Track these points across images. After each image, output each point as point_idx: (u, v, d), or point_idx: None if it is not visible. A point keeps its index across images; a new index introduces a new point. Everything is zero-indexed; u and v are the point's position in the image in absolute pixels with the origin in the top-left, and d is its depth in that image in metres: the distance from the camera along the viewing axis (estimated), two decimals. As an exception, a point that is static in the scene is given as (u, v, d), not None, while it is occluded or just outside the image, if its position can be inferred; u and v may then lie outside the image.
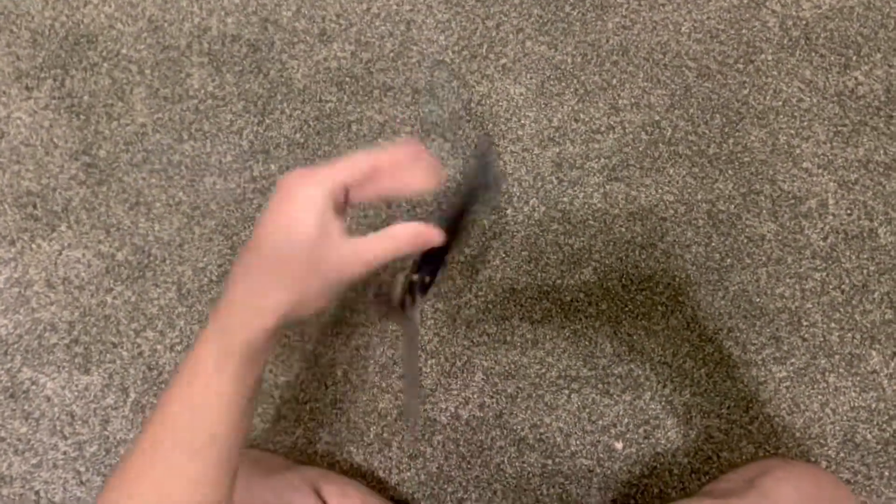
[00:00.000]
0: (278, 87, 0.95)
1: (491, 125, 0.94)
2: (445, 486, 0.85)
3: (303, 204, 0.44)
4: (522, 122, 0.94)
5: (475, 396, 0.87)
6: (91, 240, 0.91)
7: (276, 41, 0.97)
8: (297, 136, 0.94)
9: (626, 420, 0.86)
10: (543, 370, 0.87)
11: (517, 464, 0.85)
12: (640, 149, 0.93)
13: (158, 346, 0.89)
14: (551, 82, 0.95)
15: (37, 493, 0.86)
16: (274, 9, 0.97)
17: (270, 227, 0.45)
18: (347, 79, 0.96)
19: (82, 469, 0.86)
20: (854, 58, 0.95)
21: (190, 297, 0.90)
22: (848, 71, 0.95)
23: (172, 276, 0.90)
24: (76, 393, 0.88)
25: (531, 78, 0.95)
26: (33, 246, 0.91)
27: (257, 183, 0.93)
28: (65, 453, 0.87)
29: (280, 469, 0.79)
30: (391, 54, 0.96)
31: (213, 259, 0.91)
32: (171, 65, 0.96)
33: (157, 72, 0.96)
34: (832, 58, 0.95)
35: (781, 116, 0.93)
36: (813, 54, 0.95)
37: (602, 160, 0.93)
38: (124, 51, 0.96)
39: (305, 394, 0.87)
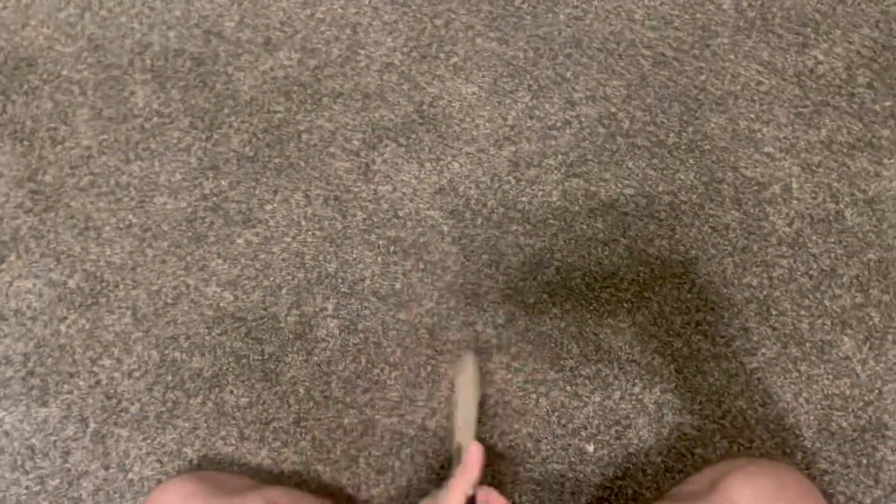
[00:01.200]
0: (225, 101, 0.93)
1: (444, 127, 0.92)
2: (416, 499, 0.84)
3: None
4: (476, 121, 0.92)
5: (442, 407, 0.85)
6: (41, 268, 0.89)
7: (220, 53, 0.94)
8: (247, 149, 0.92)
9: (596, 422, 0.84)
10: (510, 375, 0.85)
11: (487, 472, 0.84)
12: (598, 143, 0.91)
13: (116, 374, 0.87)
14: (504, 79, 0.93)
15: (-1, 531, 0.84)
16: (216, 20, 0.95)
17: None
18: (295, 87, 0.93)
19: (45, 503, 0.84)
20: (812, 36, 0.93)
21: (146, 321, 0.88)
22: (807, 50, 0.92)
23: (127, 301, 0.88)
24: (35, 426, 0.86)
25: (483, 76, 0.93)
26: (-18, 278, 0.89)
27: (208, 200, 0.91)
28: (27, 488, 0.85)
29: (243, 490, 0.77)
30: (339, 60, 0.94)
31: (167, 281, 0.89)
32: (113, 84, 0.94)
33: (99, 92, 0.93)
34: (790, 37, 0.93)
35: (741, 101, 0.91)
36: (770, 35, 0.93)
37: (559, 157, 0.90)
38: (65, 72, 0.94)
39: (268, 414, 0.86)
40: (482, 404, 0.79)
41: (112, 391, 0.87)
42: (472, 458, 0.62)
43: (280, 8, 0.95)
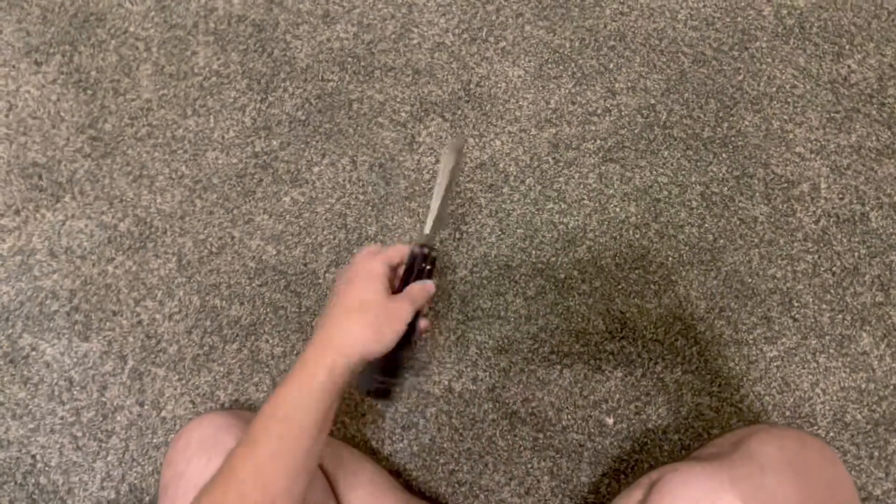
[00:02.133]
0: (281, 66, 0.97)
1: (489, 106, 0.96)
2: (437, 457, 0.86)
3: (374, 276, 0.63)
4: (520, 103, 0.96)
5: (468, 370, 0.88)
6: (94, 211, 0.93)
7: (280, 22, 0.99)
8: (299, 113, 0.96)
9: (617, 396, 0.87)
10: (536, 345, 0.88)
11: (509, 437, 0.86)
12: (636, 131, 0.94)
13: (157, 316, 0.90)
14: (549, 65, 0.97)
15: (33, 456, 0.87)
16: (279, -10, 1.00)
17: (355, 291, 0.62)
18: (349, 59, 0.98)
19: (79, 434, 0.87)
20: (847, 47, 0.97)
21: (189, 267, 0.91)
22: (841, 59, 0.96)
23: (173, 248, 0.92)
24: (75, 359, 0.89)
25: (529, 61, 0.97)
26: (37, 216, 0.93)
27: (259, 158, 0.94)
28: (62, 418, 0.88)
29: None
30: (392, 36, 0.98)
31: (213, 231, 0.92)
32: (177, 43, 0.98)
33: (163, 49, 0.98)
34: (826, 46, 0.97)
35: (775, 102, 0.95)
36: (807, 42, 0.97)
37: (598, 142, 0.94)
38: (132, 28, 0.99)
39: (301, 364, 0.88)
40: (453, 185, 0.78)
41: (152, 332, 0.90)
42: (421, 287, 0.67)
43: (340, -16, 1.00)
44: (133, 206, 0.93)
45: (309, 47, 0.98)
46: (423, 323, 0.69)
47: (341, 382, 0.59)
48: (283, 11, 0.99)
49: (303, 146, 0.95)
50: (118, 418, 0.88)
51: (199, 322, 0.90)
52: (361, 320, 0.60)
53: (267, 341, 0.89)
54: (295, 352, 0.89)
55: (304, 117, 0.96)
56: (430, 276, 0.69)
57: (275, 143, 0.95)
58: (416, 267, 0.68)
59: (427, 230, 0.71)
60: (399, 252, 0.68)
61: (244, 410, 0.86)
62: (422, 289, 0.67)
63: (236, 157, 0.95)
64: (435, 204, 0.72)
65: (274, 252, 0.92)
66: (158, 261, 0.92)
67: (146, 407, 0.88)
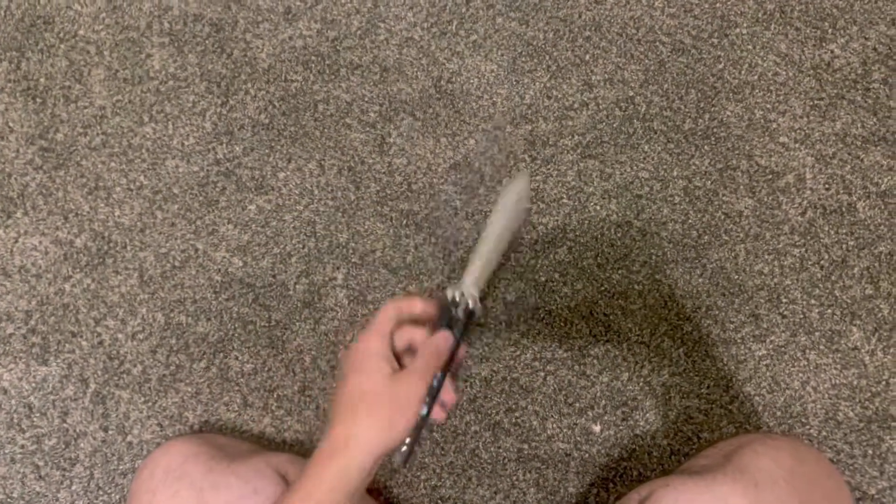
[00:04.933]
0: (242, 67, 0.93)
1: (462, 103, 0.92)
2: (419, 472, 0.83)
3: (370, 358, 0.55)
4: (494, 99, 0.92)
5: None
6: (48, 226, 0.88)
7: (239, 20, 0.94)
8: (262, 116, 0.91)
9: (603, 402, 0.84)
10: (518, 352, 0.85)
11: (492, 449, 0.83)
12: (615, 125, 0.91)
13: (119, 335, 0.86)
14: (523, 59, 0.93)
15: (-7, 489, 0.82)
16: (237, -13, 0.95)
17: (354, 380, 0.54)
18: (314, 57, 0.93)
19: (41, 463, 0.83)
20: (830, 31, 0.93)
21: (152, 283, 0.87)
22: (824, 44, 0.93)
23: (134, 263, 0.87)
24: (34, 384, 0.84)
25: (502, 55, 0.93)
26: (-12, 233, 0.88)
27: (221, 165, 0.90)
28: (22, 447, 0.83)
29: (246, 455, 0.75)
30: (358, 32, 0.94)
31: (176, 244, 0.88)
32: (130, 46, 0.93)
33: (116, 53, 0.93)
34: (808, 31, 0.93)
35: (757, 91, 0.91)
36: (788, 28, 0.93)
37: (576, 137, 0.90)
38: (82, 32, 0.93)
39: (273, 381, 0.85)
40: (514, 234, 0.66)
41: (115, 352, 0.85)
42: (431, 349, 0.56)
43: (301, -22, 0.95)
44: (90, 219, 0.88)
45: (270, 46, 0.93)
46: (437, 413, 0.58)
47: (357, 482, 0.52)
48: (242, 9, 0.94)
49: (267, 151, 0.90)
50: (82, 445, 0.83)
51: (163, 340, 0.86)
52: (368, 416, 0.53)
53: (236, 358, 0.85)
54: (266, 368, 0.85)
55: (267, 120, 0.91)
56: (462, 334, 0.59)
57: (238, 148, 0.90)
58: (446, 320, 0.58)
59: (468, 280, 0.60)
60: (414, 306, 0.58)
61: (215, 434, 0.82)
62: (434, 350, 0.56)
63: (197, 165, 0.90)
64: (483, 251, 0.61)
65: (240, 264, 0.87)
66: (119, 277, 0.87)
67: (111, 432, 0.83)
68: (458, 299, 0.59)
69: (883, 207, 0.88)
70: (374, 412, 0.52)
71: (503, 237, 0.63)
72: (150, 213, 0.88)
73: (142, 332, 0.86)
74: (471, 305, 0.59)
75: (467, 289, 0.60)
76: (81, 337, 0.85)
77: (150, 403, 0.84)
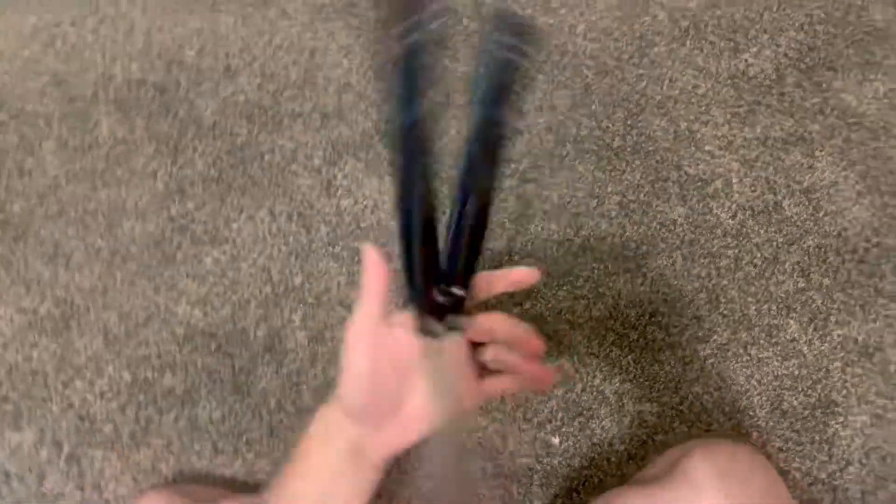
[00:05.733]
0: (188, 126, 0.96)
1: (401, 141, 0.96)
2: (382, 502, 0.86)
3: (365, 351, 0.46)
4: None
5: (410, 409, 0.87)
6: (11, 296, 0.91)
7: (181, 81, 0.98)
8: (212, 171, 0.95)
9: (560, 414, 0.87)
10: (475, 375, 0.88)
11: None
12: (548, 149, 0.95)
13: (88, 396, 0.88)
14: (457, 94, 0.97)
15: (-24, 558, 0.84)
16: (178, 50, 0.99)
17: (360, 383, 0.47)
18: (256, 110, 0.97)
19: (21, 529, 0.85)
20: (742, 41, 0.99)
21: (117, 342, 0.90)
22: (738, 54, 0.98)
23: (97, 324, 0.90)
24: (9, 451, 0.87)
25: (436, 91, 0.97)
26: (-47, 309, 0.90)
27: (175, 222, 0.93)
28: (2, 515, 0.85)
29: (216, 499, 0.78)
30: (297, 82, 0.98)
31: (137, 302, 0.91)
32: (78, 115, 0.97)
33: (65, 124, 0.96)
34: (722, 43, 0.99)
35: (680, 104, 0.96)
36: (703, 42, 0.99)
37: (513, 164, 0.95)
38: (30, 107, 0.97)
39: (241, 426, 0.87)
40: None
41: (85, 413, 0.88)
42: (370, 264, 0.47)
43: (238, 37, 0.99)
44: (51, 286, 0.91)
45: (214, 104, 0.97)
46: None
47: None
48: (183, 70, 0.98)
49: (219, 204, 0.94)
50: (60, 506, 0.86)
51: (132, 397, 0.88)
52: (384, 423, 0.48)
53: (204, 407, 0.88)
54: (234, 414, 0.88)
55: (216, 175, 0.95)
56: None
57: (190, 204, 0.94)
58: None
59: None
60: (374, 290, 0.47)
61: (188, 484, 0.84)
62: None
63: (153, 224, 0.93)
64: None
65: (201, 315, 0.90)
66: (84, 340, 0.90)
67: (87, 491, 0.86)
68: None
69: (807, 203, 0.93)
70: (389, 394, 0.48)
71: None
72: (109, 274, 0.92)
73: (110, 391, 0.88)
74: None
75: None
76: (52, 401, 0.88)
77: (123, 459, 0.86)
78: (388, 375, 0.47)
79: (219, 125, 0.96)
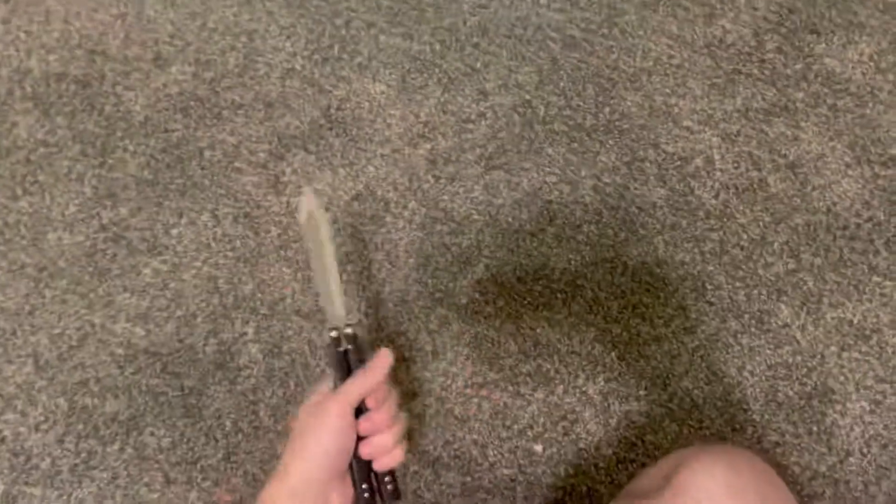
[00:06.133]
0: (117, 123, 0.87)
1: (355, 130, 0.87)
2: None
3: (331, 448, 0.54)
4: (388, 121, 0.88)
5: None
6: (-73, 323, 0.81)
7: (107, 73, 0.88)
8: (145, 173, 0.86)
9: (542, 420, 0.81)
10: (448, 381, 0.81)
11: (435, 487, 0.79)
12: (515, 132, 0.88)
13: (21, 429, 0.79)
14: (412, 75, 0.89)
15: None
16: (100, 39, 0.89)
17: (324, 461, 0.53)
18: (192, 102, 0.88)
19: (-47, 581, 0.76)
20: (718, 6, 0.92)
21: (49, 367, 0.81)
22: (714, 20, 0.91)
23: (26, 349, 0.81)
24: (-66, 497, 0.78)
25: (391, 73, 0.89)
26: None
27: (108, 231, 0.84)
28: (-69, 567, 0.77)
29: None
30: (236, 70, 0.89)
31: (70, 322, 0.82)
32: (-8, 116, 0.87)
33: (-23, 126, 0.86)
34: (696, 9, 0.92)
35: (654, 77, 0.89)
36: (676, 8, 0.92)
37: (477, 150, 0.87)
38: (-64, 108, 0.87)
39: (194, 452, 0.79)
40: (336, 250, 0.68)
41: (19, 447, 0.79)
42: (379, 363, 0.57)
43: (168, 20, 0.89)
44: (-29, 310, 0.82)
45: (144, 97, 0.88)
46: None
47: None
48: (107, 61, 0.88)
49: (155, 209, 0.85)
50: (-4, 553, 0.77)
51: (70, 427, 0.80)
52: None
53: (152, 434, 0.80)
54: (185, 439, 0.80)
55: (151, 176, 0.86)
56: (354, 363, 0.59)
57: (123, 210, 0.85)
58: (342, 363, 0.59)
59: (334, 311, 0.61)
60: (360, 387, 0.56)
61: (133, 522, 0.77)
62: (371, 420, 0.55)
63: (82, 234, 0.84)
64: (325, 279, 0.61)
65: (143, 333, 0.82)
66: (12, 367, 0.81)
67: (25, 535, 0.77)
68: (338, 335, 0.59)
69: (794, 179, 0.87)
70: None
71: (328, 254, 0.61)
72: (37, 292, 0.82)
73: (45, 422, 0.80)
74: (350, 331, 0.60)
75: (338, 320, 0.60)
76: (-21, 437, 0.79)
77: (64, 497, 0.78)
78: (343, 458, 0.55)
79: (151, 121, 0.87)
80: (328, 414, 0.54)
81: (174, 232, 0.84)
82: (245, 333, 0.82)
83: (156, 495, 0.79)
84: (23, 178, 0.85)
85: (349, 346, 0.59)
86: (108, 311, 0.82)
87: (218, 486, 0.79)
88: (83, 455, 0.79)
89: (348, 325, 0.60)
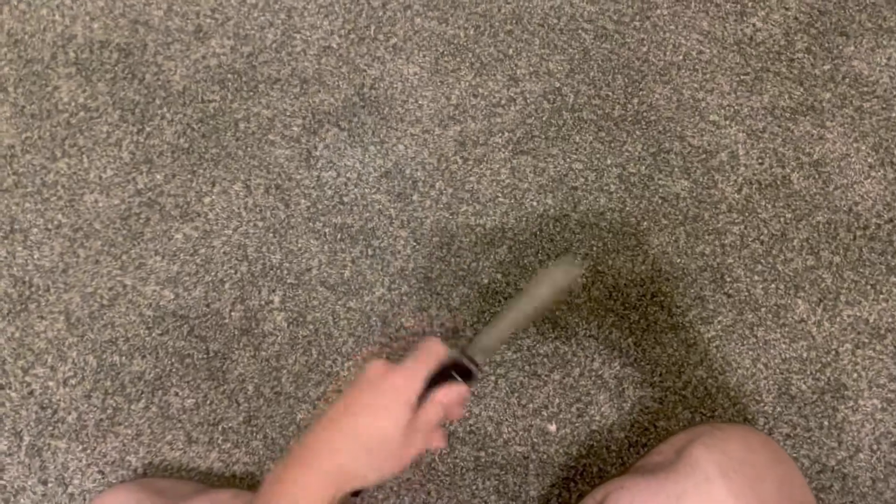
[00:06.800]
0: (156, 92, 0.89)
1: (387, 109, 0.89)
2: (376, 493, 0.80)
3: (403, 402, 0.53)
4: (420, 102, 0.90)
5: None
6: (-36, 276, 0.84)
7: (148, 43, 0.90)
8: (181, 141, 0.88)
9: (557, 400, 0.82)
10: (467, 359, 0.83)
11: (449, 460, 0.81)
12: (544, 118, 0.89)
13: (50, 383, 0.82)
14: (445, 58, 0.91)
15: (-71, 558, 0.78)
16: (143, 9, 0.91)
17: (379, 420, 0.53)
18: (230, 75, 0.90)
19: (-22, 526, 0.79)
20: (750, 4, 0.93)
21: (80, 325, 0.83)
22: (745, 18, 0.93)
23: (59, 306, 0.83)
24: (-37, 444, 0.80)
25: (424, 56, 0.91)
26: None
27: (143, 196, 0.86)
28: (-42, 511, 0.79)
29: (189, 495, 0.73)
30: (274, 45, 0.91)
31: (102, 282, 0.84)
32: (35, 79, 0.89)
33: (21, 88, 0.89)
34: (728, 6, 0.93)
35: (683, 71, 0.91)
36: (709, 4, 0.93)
37: (506, 134, 0.89)
38: (-18, 69, 0.89)
39: (216, 414, 0.81)
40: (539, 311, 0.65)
41: (47, 401, 0.81)
42: (455, 394, 0.57)
43: (210, -6, 0.91)
44: (7, 265, 0.84)
45: (184, 68, 0.90)
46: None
47: None
48: (149, 31, 0.90)
49: (189, 176, 0.87)
50: (21, 501, 0.79)
51: (98, 384, 0.82)
52: (376, 457, 0.53)
53: (176, 394, 0.82)
54: (208, 401, 0.82)
55: (187, 145, 0.88)
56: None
57: (158, 176, 0.87)
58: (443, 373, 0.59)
59: (479, 344, 0.61)
60: (437, 356, 0.57)
61: (156, 478, 0.79)
62: (437, 412, 0.56)
63: (118, 198, 0.86)
64: (505, 324, 0.61)
65: (172, 296, 0.84)
66: (44, 322, 0.83)
67: (50, 485, 0.80)
68: (461, 360, 0.60)
69: (817, 177, 0.88)
70: (382, 454, 0.53)
71: (531, 315, 0.63)
72: (71, 252, 0.85)
73: (74, 378, 0.82)
74: (474, 369, 0.60)
75: (483, 352, 0.61)
76: (10, 388, 0.81)
77: (88, 451, 0.80)
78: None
79: (189, 91, 0.89)
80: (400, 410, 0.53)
81: (206, 200, 0.86)
82: (271, 301, 0.84)
83: (177, 454, 0.81)
84: (62, 141, 0.87)
85: (457, 377, 0.59)
86: (140, 273, 0.84)
87: (237, 447, 0.81)
88: (109, 411, 0.81)
89: (476, 365, 0.60)
